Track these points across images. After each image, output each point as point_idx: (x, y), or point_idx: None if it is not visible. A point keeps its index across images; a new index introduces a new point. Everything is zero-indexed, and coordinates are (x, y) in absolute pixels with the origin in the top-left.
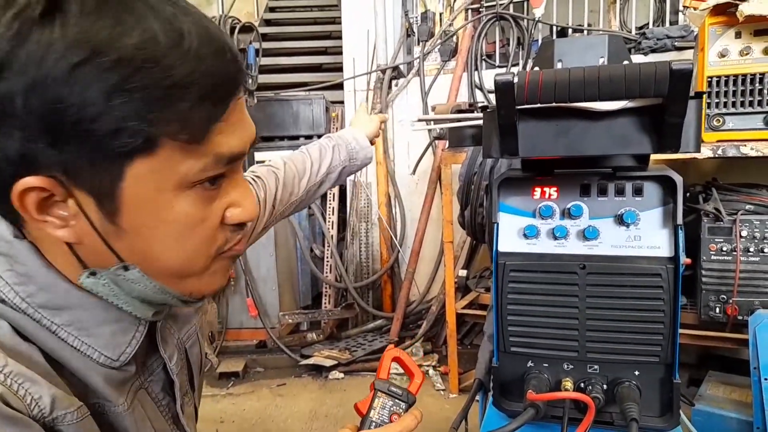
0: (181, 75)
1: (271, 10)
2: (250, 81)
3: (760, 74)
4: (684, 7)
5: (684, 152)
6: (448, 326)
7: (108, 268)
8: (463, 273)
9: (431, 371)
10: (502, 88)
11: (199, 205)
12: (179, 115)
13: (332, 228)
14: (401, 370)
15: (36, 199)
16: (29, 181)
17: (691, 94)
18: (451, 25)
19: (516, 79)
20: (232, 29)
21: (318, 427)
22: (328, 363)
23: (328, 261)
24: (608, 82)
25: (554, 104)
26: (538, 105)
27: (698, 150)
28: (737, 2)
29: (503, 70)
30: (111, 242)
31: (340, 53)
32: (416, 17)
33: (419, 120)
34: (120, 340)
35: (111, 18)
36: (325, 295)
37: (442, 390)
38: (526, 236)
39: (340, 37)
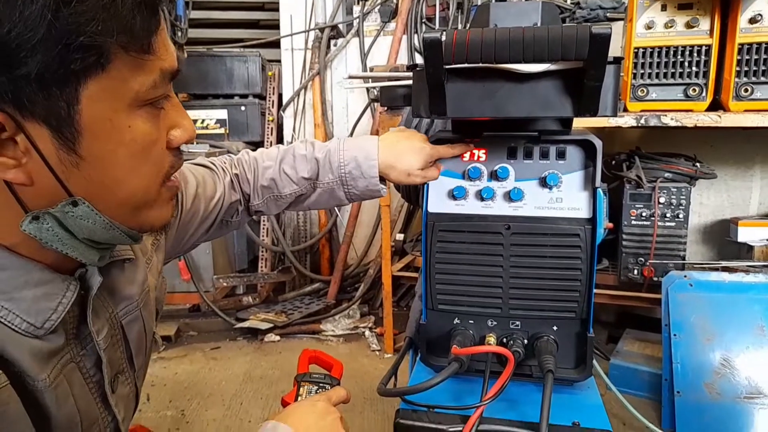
0: None
1: None
2: (179, 34)
3: (682, 47)
4: None
5: (602, 116)
6: (384, 288)
7: (55, 206)
8: (400, 237)
9: (367, 333)
10: (431, 46)
11: (152, 124)
12: (124, 23)
13: None
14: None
15: None
16: None
17: (610, 59)
18: None
19: (444, 37)
20: None
21: (252, 388)
22: (264, 326)
23: (264, 224)
24: (532, 43)
25: (481, 65)
26: (466, 65)
27: (615, 114)
28: None
29: None
30: (65, 177)
31: (278, 9)
32: None
33: (351, 77)
34: (44, 306)
35: None
36: (262, 259)
37: (378, 350)
38: (454, 197)
39: None
